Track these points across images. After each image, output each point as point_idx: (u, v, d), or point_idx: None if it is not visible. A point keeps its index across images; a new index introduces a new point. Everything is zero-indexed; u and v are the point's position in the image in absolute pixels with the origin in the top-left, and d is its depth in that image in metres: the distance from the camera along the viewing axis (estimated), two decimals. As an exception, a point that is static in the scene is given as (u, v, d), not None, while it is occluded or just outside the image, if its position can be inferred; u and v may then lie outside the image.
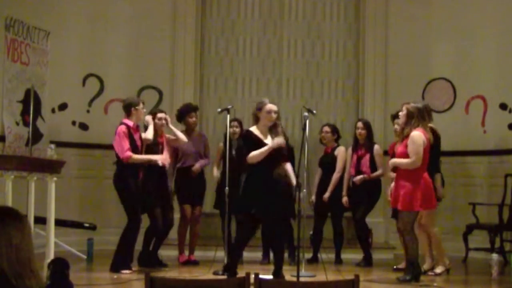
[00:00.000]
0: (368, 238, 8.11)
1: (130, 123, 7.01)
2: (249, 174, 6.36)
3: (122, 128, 6.93)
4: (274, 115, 6.30)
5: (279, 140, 6.21)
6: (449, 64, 9.72)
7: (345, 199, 8.06)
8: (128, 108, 7.07)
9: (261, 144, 6.24)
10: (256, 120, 6.41)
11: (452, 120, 9.47)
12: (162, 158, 7.13)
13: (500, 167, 8.97)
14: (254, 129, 6.38)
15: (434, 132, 7.16)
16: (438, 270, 7.23)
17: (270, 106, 6.33)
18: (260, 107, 6.37)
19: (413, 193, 6.57)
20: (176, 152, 7.68)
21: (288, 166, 6.76)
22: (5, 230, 2.37)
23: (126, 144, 6.85)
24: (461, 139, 9.37)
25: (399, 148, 6.86)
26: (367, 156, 7.95)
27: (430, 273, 7.21)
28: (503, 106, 9.23)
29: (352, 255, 8.35)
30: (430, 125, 7.15)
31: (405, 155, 6.65)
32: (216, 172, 7.92)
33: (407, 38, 9.79)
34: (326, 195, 8.04)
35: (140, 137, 7.13)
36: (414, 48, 9.78)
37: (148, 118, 7.32)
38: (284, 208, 6.36)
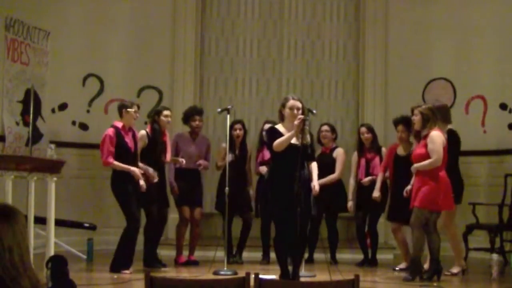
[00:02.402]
0: (367, 240, 8.10)
1: (120, 124, 7.03)
2: (270, 174, 6.20)
3: (109, 132, 6.95)
4: (296, 112, 6.01)
5: (302, 117, 5.90)
6: (449, 64, 9.72)
7: (350, 204, 8.03)
8: (120, 109, 7.15)
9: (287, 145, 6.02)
10: (282, 118, 6.20)
11: (452, 120, 9.44)
12: (139, 174, 6.96)
13: (500, 167, 8.97)
14: (279, 127, 6.16)
15: (454, 134, 7.23)
16: (455, 270, 7.26)
17: (292, 103, 6.07)
18: (283, 104, 6.17)
19: (434, 193, 6.60)
20: (177, 153, 7.67)
21: (314, 166, 6.45)
22: None
23: (109, 149, 6.86)
24: (461, 139, 9.34)
25: (417, 150, 6.87)
26: (377, 159, 7.93)
27: (446, 272, 7.24)
28: (503, 106, 9.23)
29: (352, 255, 8.35)
30: (449, 127, 7.22)
31: (424, 156, 6.66)
32: (221, 161, 7.76)
33: (407, 38, 9.79)
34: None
35: (134, 137, 7.13)
36: (414, 48, 9.77)
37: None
38: (305, 210, 5.92)
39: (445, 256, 7.53)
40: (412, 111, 7.22)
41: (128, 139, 7.04)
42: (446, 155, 6.75)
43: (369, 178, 7.90)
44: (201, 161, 7.70)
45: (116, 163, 6.89)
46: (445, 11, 9.75)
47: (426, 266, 7.21)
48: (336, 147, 8.24)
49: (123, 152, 6.94)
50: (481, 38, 9.45)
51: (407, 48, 9.79)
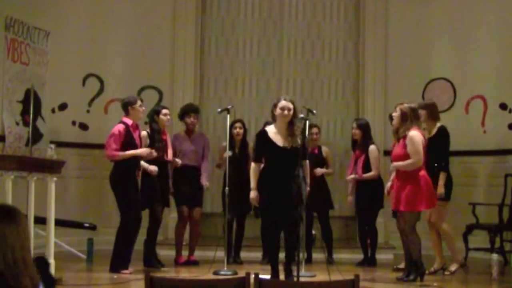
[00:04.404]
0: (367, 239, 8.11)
1: (129, 121, 7.01)
2: (262, 175, 6.23)
3: (119, 127, 6.93)
4: (286, 113, 6.13)
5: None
6: (449, 64, 9.72)
7: (349, 199, 8.09)
8: (125, 107, 7.09)
9: (273, 146, 6.13)
10: (274, 118, 6.28)
11: (452, 120, 9.45)
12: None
13: (500, 167, 8.97)
14: (270, 129, 6.24)
15: (443, 130, 7.23)
16: (453, 268, 7.27)
17: (283, 103, 6.17)
18: (275, 104, 6.26)
19: (415, 193, 6.59)
20: (174, 152, 7.67)
21: (306, 166, 6.36)
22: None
23: (115, 144, 6.85)
24: (461, 139, 9.35)
25: (396, 150, 6.87)
26: (363, 157, 7.96)
27: (446, 272, 7.25)
28: (503, 106, 9.23)
29: (351, 255, 8.35)
30: (439, 124, 7.22)
31: (403, 156, 6.67)
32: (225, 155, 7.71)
33: (407, 38, 9.78)
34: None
35: (140, 135, 7.15)
36: (414, 48, 9.77)
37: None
38: (294, 210, 5.95)
39: (446, 256, 7.53)
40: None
41: (136, 136, 7.05)
42: (425, 154, 6.74)
43: (352, 176, 7.93)
44: (205, 180, 7.72)
45: (120, 153, 6.87)
46: (445, 10, 9.75)
47: (435, 265, 7.24)
48: (320, 146, 8.30)
49: (131, 148, 6.93)
50: (481, 38, 9.45)
51: (407, 48, 9.79)
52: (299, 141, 6.18)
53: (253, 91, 9.93)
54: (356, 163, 8.00)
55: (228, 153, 7.47)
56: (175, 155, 7.65)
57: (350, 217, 8.61)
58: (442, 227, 7.31)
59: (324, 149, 8.30)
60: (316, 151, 8.21)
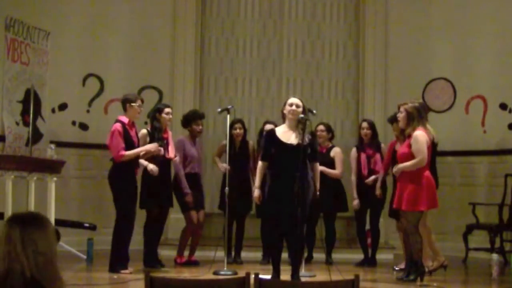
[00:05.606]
0: (367, 239, 8.09)
1: (125, 119, 7.01)
2: (270, 175, 6.22)
3: (117, 126, 6.93)
4: (294, 108, 6.19)
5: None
6: (449, 64, 9.72)
7: (356, 202, 7.93)
8: (124, 104, 7.10)
9: (280, 145, 6.15)
10: (283, 118, 6.33)
11: (452, 120, 9.48)
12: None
13: (500, 167, 8.97)
14: (279, 128, 6.30)
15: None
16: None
17: (291, 100, 6.29)
18: (285, 102, 6.35)
19: (417, 193, 6.56)
20: (185, 157, 7.65)
21: (315, 167, 6.39)
22: (31, 237, 2.43)
23: (121, 143, 6.85)
24: (461, 139, 9.37)
25: (400, 150, 6.84)
26: (378, 156, 7.91)
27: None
28: (503, 106, 9.23)
29: (352, 255, 8.34)
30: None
31: (407, 156, 6.63)
32: (223, 166, 7.72)
33: (407, 38, 9.79)
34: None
35: (137, 133, 7.14)
36: (414, 48, 9.78)
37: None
38: (301, 211, 5.95)
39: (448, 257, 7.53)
40: (399, 108, 7.18)
41: (133, 134, 7.05)
42: (430, 154, 6.72)
43: (372, 177, 7.86)
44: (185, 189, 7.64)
45: (127, 152, 6.87)
46: (445, 11, 9.75)
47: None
48: (332, 146, 8.23)
49: (128, 147, 6.93)
50: (481, 38, 9.46)
51: (407, 48, 9.79)
52: (307, 139, 6.18)
53: (253, 91, 9.93)
54: (370, 162, 7.94)
55: (226, 167, 7.47)
56: (185, 159, 7.61)
57: (352, 217, 8.59)
58: (420, 229, 7.19)
59: (334, 150, 8.17)
60: (324, 150, 8.14)
